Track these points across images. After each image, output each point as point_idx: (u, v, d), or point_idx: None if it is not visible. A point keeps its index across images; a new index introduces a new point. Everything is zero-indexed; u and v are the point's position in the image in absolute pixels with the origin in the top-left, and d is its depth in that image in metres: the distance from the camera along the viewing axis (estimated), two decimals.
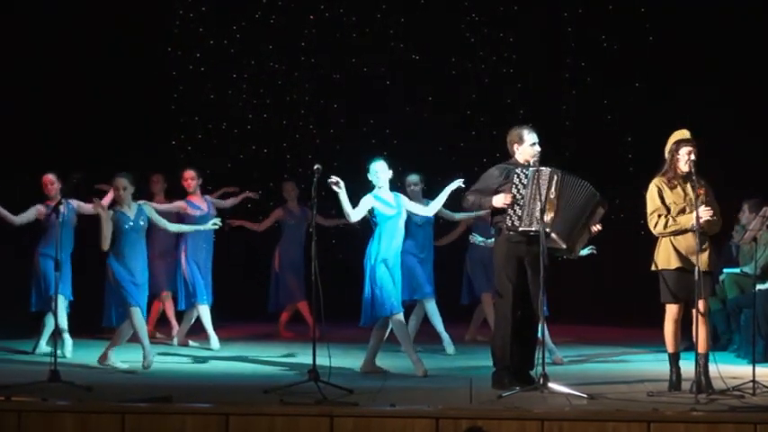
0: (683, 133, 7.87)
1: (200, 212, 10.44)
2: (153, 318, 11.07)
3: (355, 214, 8.77)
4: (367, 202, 8.89)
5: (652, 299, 12.17)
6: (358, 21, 13.10)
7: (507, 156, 8.26)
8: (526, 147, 8.08)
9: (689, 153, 7.77)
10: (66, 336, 9.90)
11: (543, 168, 7.88)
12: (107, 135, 11.60)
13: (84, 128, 11.50)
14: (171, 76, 12.95)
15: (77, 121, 11.52)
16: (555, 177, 7.83)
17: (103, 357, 9.14)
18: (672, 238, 7.78)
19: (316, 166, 8.36)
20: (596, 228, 8.14)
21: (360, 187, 11.94)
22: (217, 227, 9.76)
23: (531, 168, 7.90)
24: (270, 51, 13.12)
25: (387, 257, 8.81)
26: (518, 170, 7.94)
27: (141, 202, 9.36)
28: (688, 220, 7.69)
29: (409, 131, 12.98)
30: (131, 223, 9.11)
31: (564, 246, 7.97)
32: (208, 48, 13.07)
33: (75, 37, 11.58)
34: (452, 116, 13.02)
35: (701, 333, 7.71)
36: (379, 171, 9.01)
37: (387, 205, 8.90)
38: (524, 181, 7.87)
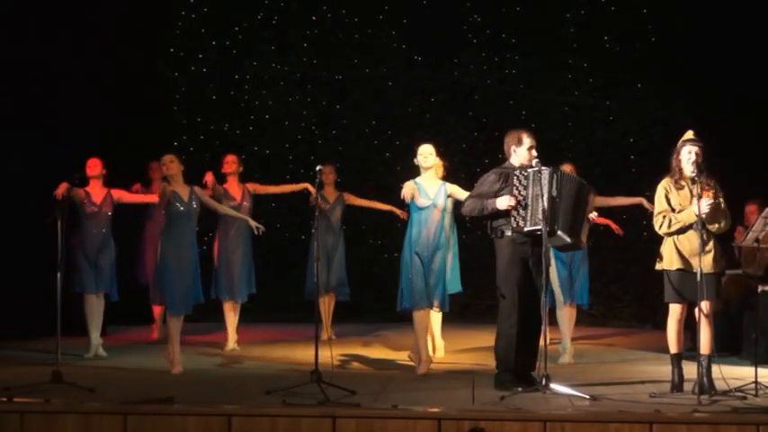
0: (688, 134, 7.88)
1: (233, 203, 10.28)
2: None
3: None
4: (408, 189, 8.94)
5: (654, 299, 12.23)
6: (360, 21, 13.10)
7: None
8: (524, 150, 8.13)
9: (690, 153, 7.78)
10: (95, 337, 9.96)
11: (543, 168, 7.91)
12: (108, 135, 11.58)
13: (85, 128, 11.48)
14: (173, 76, 12.94)
15: (78, 121, 11.50)
16: (555, 176, 7.89)
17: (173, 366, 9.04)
18: (675, 239, 7.78)
19: (318, 167, 8.36)
20: (593, 216, 8.43)
21: (361, 188, 11.99)
22: (259, 232, 9.50)
23: (530, 169, 7.94)
24: (272, 52, 13.12)
25: (421, 249, 8.85)
26: (517, 172, 7.98)
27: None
28: (689, 214, 7.70)
29: (411, 132, 12.98)
30: (184, 206, 8.96)
31: (570, 240, 8.05)
32: (209, 48, 13.08)
33: (75, 37, 11.57)
34: (455, 117, 13.03)
35: (704, 334, 7.71)
36: (423, 154, 9.00)
37: (423, 195, 8.93)
38: (524, 182, 7.91)
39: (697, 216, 7.62)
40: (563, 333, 9.72)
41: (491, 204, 7.97)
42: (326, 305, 11.13)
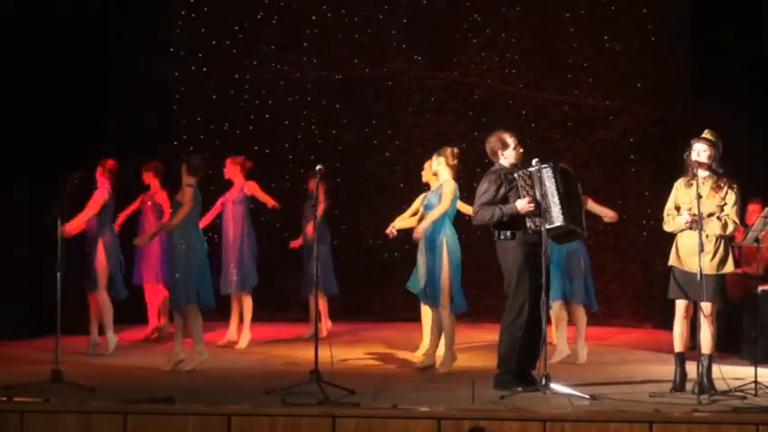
0: (705, 132, 7.87)
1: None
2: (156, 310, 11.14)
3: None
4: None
5: (654, 299, 12.23)
6: (360, 21, 13.09)
7: None
8: (510, 151, 8.17)
9: (694, 151, 7.78)
10: (94, 335, 10.07)
11: (544, 166, 7.90)
12: (108, 135, 11.59)
13: (84, 127, 11.49)
14: (173, 76, 12.93)
15: (77, 121, 11.50)
16: (556, 174, 7.90)
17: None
18: (679, 236, 7.85)
19: (318, 167, 8.36)
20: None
21: (361, 188, 11.99)
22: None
23: (531, 169, 7.94)
24: (271, 51, 13.11)
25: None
26: (519, 173, 7.96)
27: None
28: (677, 222, 7.79)
29: (411, 132, 12.99)
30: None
31: (579, 231, 8.17)
32: (210, 48, 13.06)
33: (76, 35, 11.58)
34: (454, 117, 13.02)
35: (703, 334, 7.72)
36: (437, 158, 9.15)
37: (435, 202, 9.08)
38: (529, 182, 7.91)
39: (686, 224, 7.70)
40: (558, 332, 9.72)
41: (510, 209, 7.93)
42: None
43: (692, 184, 7.77)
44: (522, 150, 8.16)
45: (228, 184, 10.78)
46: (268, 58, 13.13)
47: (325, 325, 11.12)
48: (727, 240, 7.85)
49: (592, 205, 9.62)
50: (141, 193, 11.09)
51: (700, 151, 7.79)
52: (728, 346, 9.96)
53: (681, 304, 7.88)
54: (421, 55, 13.08)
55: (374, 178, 12.81)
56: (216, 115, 13.09)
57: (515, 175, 7.99)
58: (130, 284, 10.94)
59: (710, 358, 7.76)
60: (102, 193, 10.05)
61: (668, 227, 7.90)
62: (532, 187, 7.90)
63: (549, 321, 9.86)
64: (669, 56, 12.24)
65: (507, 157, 8.16)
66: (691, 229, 7.69)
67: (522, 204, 7.89)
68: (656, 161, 12.34)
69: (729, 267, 7.84)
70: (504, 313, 8.09)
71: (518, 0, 12.94)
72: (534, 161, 7.98)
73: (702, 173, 7.79)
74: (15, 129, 11.09)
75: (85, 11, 11.59)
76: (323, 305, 11.22)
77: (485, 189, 8.10)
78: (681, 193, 7.88)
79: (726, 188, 7.77)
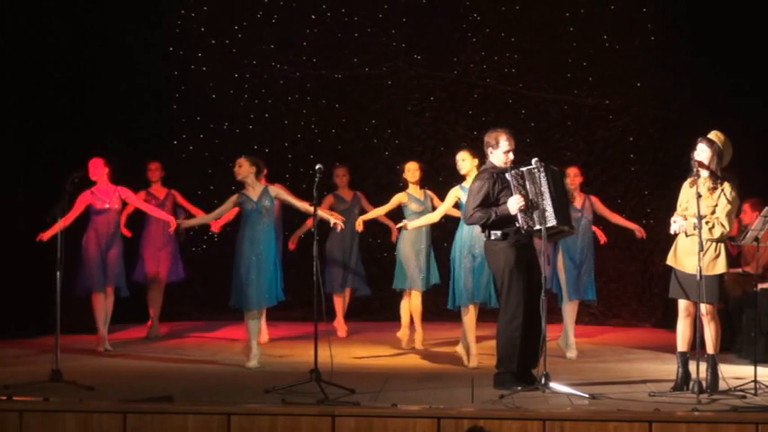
0: (711, 132, 7.86)
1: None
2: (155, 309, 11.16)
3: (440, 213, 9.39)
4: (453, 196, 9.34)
5: (653, 298, 12.23)
6: (360, 21, 13.09)
7: None
8: (500, 153, 8.17)
9: (696, 150, 7.79)
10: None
11: (536, 168, 7.90)
12: (108, 133, 11.59)
13: (84, 126, 11.49)
14: (173, 75, 12.93)
15: (77, 120, 11.50)
16: (548, 173, 7.91)
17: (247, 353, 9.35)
18: (679, 236, 7.86)
19: (318, 166, 8.35)
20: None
21: (361, 188, 11.96)
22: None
23: (524, 168, 7.96)
24: (271, 51, 13.10)
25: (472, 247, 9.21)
26: (512, 173, 7.97)
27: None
28: (671, 226, 7.84)
29: (411, 132, 12.98)
30: (252, 204, 9.19)
31: (567, 229, 8.16)
32: (209, 47, 13.06)
33: (76, 35, 11.58)
34: (454, 116, 13.01)
35: (705, 334, 7.73)
36: (458, 160, 9.34)
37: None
38: (521, 181, 7.92)
39: (674, 233, 7.80)
40: (567, 329, 9.77)
41: (503, 210, 7.95)
42: (344, 301, 11.36)
43: (694, 184, 7.78)
44: (512, 158, 8.14)
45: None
46: (268, 58, 13.12)
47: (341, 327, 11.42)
48: (719, 241, 7.83)
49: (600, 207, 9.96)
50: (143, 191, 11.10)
51: (700, 151, 7.81)
52: (728, 345, 9.98)
53: (682, 304, 7.89)
54: (421, 54, 13.07)
55: (374, 178, 12.80)
56: (216, 115, 13.09)
57: (507, 175, 8.00)
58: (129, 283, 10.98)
59: (713, 358, 7.76)
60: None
61: (670, 228, 7.91)
62: (524, 187, 7.91)
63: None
64: (669, 56, 12.23)
65: (495, 157, 8.18)
66: (686, 235, 7.73)
67: (513, 203, 7.89)
68: (656, 161, 12.34)
69: (721, 268, 7.81)
70: (500, 314, 8.11)
71: (518, 0, 12.94)
72: (534, 161, 7.98)
73: (704, 173, 7.79)
74: (15, 128, 11.09)
75: (85, 11, 11.59)
76: (346, 304, 11.44)
77: (477, 188, 8.11)
78: (683, 192, 7.89)
79: (719, 190, 7.77)
